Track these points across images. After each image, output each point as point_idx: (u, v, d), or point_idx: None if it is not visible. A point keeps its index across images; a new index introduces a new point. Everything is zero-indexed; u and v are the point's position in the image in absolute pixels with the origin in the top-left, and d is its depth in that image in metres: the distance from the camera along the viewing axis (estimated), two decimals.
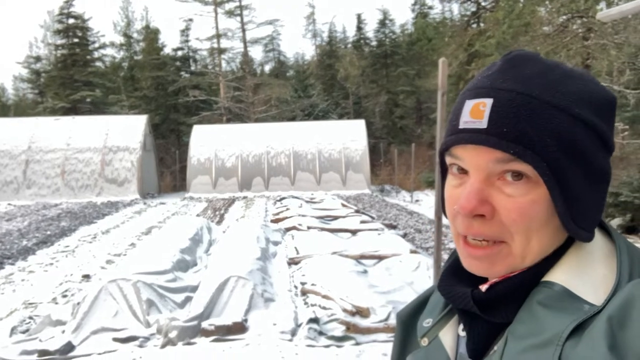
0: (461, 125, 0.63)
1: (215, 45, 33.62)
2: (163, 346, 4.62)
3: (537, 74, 0.62)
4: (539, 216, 0.61)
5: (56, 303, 6.27)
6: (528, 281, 0.64)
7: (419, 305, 0.82)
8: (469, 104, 0.64)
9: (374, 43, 38.18)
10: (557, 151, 0.60)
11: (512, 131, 0.60)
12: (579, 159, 0.61)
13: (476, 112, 0.62)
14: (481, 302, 0.65)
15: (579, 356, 0.54)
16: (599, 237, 0.66)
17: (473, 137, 0.62)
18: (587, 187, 0.62)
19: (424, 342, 0.75)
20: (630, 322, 0.53)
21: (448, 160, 0.67)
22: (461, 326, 0.71)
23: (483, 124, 0.61)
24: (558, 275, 0.62)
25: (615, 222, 9.76)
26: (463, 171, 0.65)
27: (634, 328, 0.52)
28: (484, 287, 0.66)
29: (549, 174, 0.60)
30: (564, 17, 12.86)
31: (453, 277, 0.72)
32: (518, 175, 0.61)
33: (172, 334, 4.70)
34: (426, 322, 0.76)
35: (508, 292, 0.64)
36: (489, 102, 0.62)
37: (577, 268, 0.63)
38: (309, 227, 10.02)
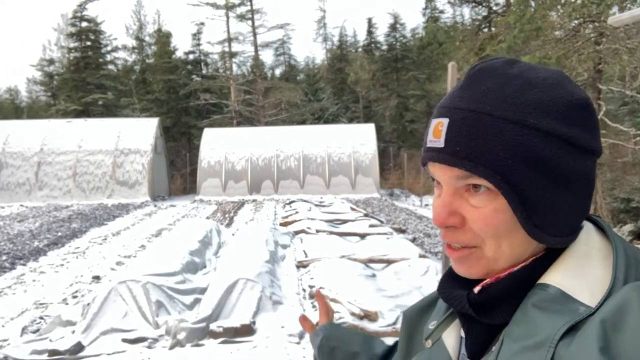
0: (427, 144, 0.68)
1: (227, 49, 33.78)
2: (171, 347, 4.65)
3: (493, 89, 0.64)
4: (504, 224, 0.63)
5: (66, 304, 6.33)
6: (521, 283, 0.65)
7: (426, 306, 0.83)
8: (433, 123, 0.68)
9: (384, 47, 38.13)
10: (512, 163, 0.61)
11: (464, 149, 0.63)
12: (539, 167, 0.61)
13: (436, 132, 0.66)
14: (475, 304, 0.67)
15: (571, 357, 0.54)
16: (596, 238, 0.66)
17: (433, 155, 0.66)
18: (553, 193, 0.62)
19: (428, 344, 0.76)
20: (624, 325, 0.53)
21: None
22: None
23: (441, 143, 0.65)
24: (554, 277, 0.63)
25: (626, 229, 9.66)
26: (440, 184, 0.69)
27: (628, 332, 0.52)
28: (476, 289, 0.67)
29: (504, 185, 0.61)
30: (576, 21, 12.77)
31: (452, 280, 0.73)
32: (478, 187, 0.64)
33: (181, 336, 4.72)
34: (432, 324, 0.77)
35: (500, 294, 0.65)
36: (445, 121, 0.65)
37: (573, 269, 0.63)
38: (317, 231, 10.02)
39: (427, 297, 0.85)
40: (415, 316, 0.83)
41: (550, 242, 0.64)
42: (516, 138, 0.61)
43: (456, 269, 0.69)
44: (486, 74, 0.65)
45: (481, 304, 0.66)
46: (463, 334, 0.72)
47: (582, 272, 0.62)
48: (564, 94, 0.64)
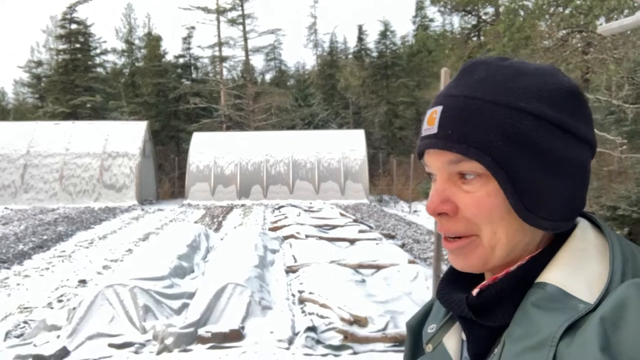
0: (422, 133, 0.69)
1: (217, 53, 33.76)
2: (159, 353, 4.59)
3: (484, 77, 0.66)
4: (497, 208, 0.64)
5: (51, 308, 6.23)
6: (519, 282, 0.65)
7: (427, 313, 0.83)
8: (428, 113, 0.69)
9: (374, 54, 38.27)
10: (502, 145, 0.62)
11: (456, 132, 0.64)
12: (530, 150, 0.63)
13: (430, 120, 0.68)
14: (475, 307, 0.66)
15: (572, 356, 0.54)
16: (591, 233, 0.67)
17: (426, 142, 0.68)
18: (544, 177, 0.63)
19: (429, 348, 0.76)
20: (624, 323, 0.53)
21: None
22: None
23: (434, 129, 0.67)
24: (551, 275, 0.63)
25: None
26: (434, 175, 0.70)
27: (627, 330, 0.52)
28: (474, 292, 0.67)
29: (495, 167, 0.63)
30: (564, 31, 12.95)
31: (450, 284, 0.73)
32: (470, 173, 0.65)
33: (168, 341, 4.66)
34: (430, 328, 0.77)
35: (498, 295, 0.65)
36: (439, 109, 0.67)
37: (570, 266, 0.63)
38: (307, 236, 10.00)
39: (426, 304, 0.85)
40: (419, 325, 0.83)
41: (542, 225, 0.65)
42: (506, 120, 0.63)
43: (454, 262, 0.69)
44: (477, 66, 0.68)
45: (480, 307, 0.66)
46: (464, 337, 0.71)
47: (579, 269, 0.62)
48: (554, 82, 0.66)
